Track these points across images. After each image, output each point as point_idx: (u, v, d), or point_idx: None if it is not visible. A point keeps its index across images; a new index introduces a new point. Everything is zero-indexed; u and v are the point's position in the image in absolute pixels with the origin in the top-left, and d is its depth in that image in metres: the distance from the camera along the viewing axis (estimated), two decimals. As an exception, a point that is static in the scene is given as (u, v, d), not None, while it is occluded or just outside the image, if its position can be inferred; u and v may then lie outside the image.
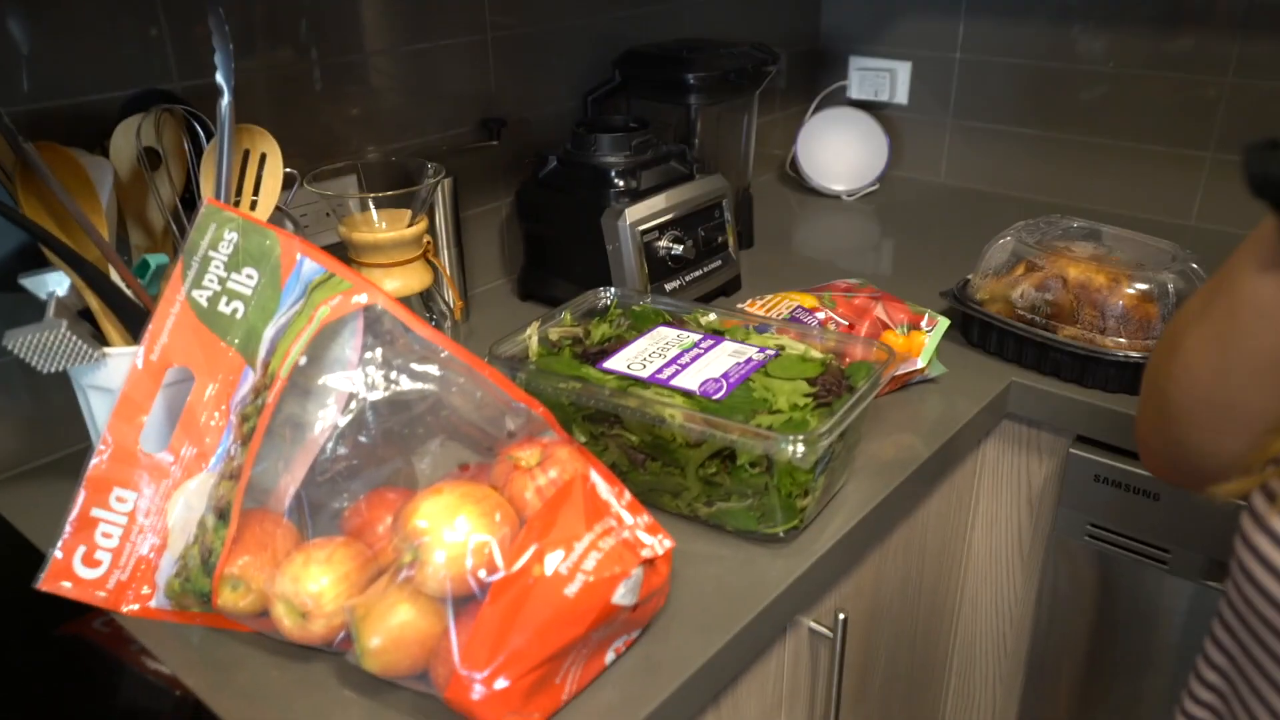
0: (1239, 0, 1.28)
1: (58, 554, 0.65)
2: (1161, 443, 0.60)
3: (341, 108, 1.03)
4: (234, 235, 0.67)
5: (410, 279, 0.92)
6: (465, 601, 0.57)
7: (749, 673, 0.76)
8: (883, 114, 1.63)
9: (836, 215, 1.53)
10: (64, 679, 0.66)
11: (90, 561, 0.65)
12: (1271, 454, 0.50)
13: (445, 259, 1.10)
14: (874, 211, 1.53)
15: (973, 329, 1.04)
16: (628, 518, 0.62)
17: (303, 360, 0.64)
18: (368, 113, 1.05)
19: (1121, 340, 0.93)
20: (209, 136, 0.81)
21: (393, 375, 0.65)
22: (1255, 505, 0.51)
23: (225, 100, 0.74)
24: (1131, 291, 0.93)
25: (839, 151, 1.59)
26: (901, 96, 1.63)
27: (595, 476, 0.63)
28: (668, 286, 1.09)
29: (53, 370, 0.69)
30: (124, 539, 0.66)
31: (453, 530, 0.57)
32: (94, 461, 0.65)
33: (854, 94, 1.66)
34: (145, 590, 0.67)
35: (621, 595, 0.58)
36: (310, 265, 0.66)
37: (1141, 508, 0.97)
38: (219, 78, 0.73)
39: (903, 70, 1.61)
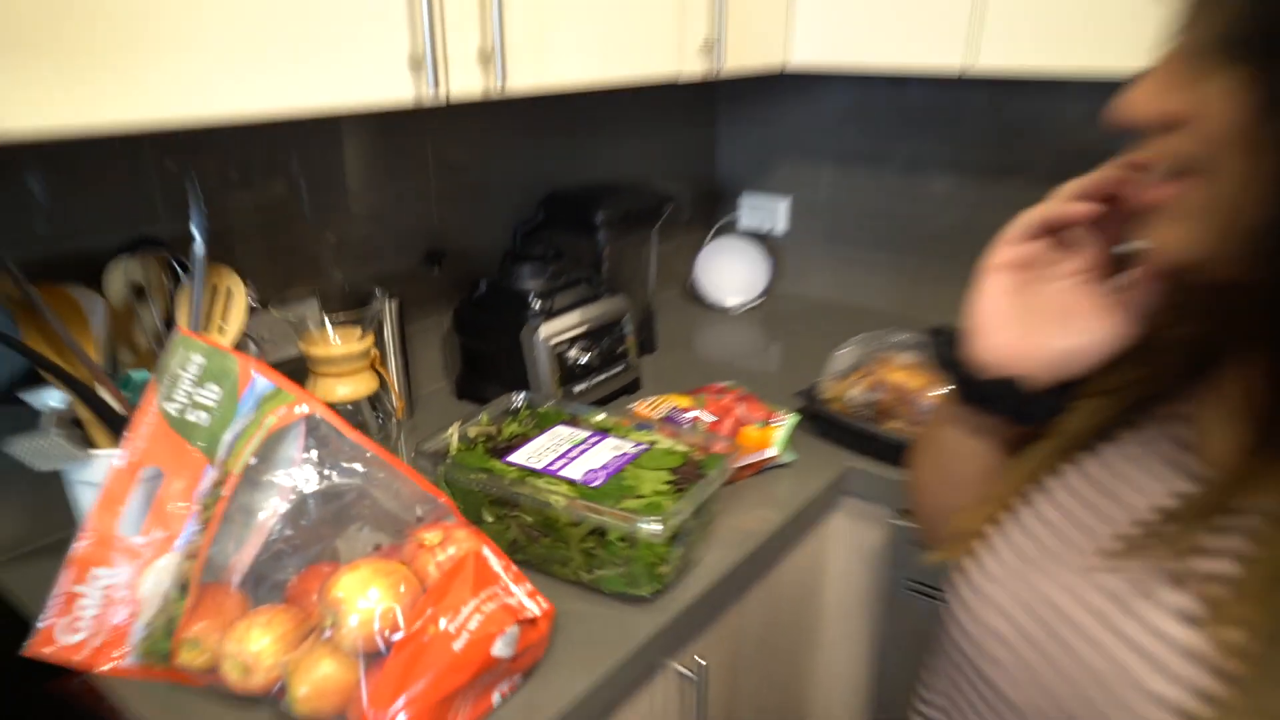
0: (1047, 157, 1.41)
1: (42, 624, 0.69)
2: (917, 522, 0.69)
3: (311, 244, 1.10)
4: (200, 358, 0.73)
5: (359, 385, 0.98)
6: (374, 656, 0.62)
7: (622, 711, 0.81)
8: (768, 240, 1.74)
9: (726, 325, 1.62)
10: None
11: (71, 629, 0.69)
12: (955, 530, 0.58)
13: (392, 367, 1.17)
14: (758, 322, 1.63)
15: (820, 423, 1.12)
16: (513, 587, 0.69)
17: (253, 460, 0.70)
18: (333, 245, 1.13)
19: (933, 432, 1.02)
20: (187, 270, 0.87)
21: (326, 471, 0.71)
22: (950, 574, 0.58)
23: (198, 247, 0.81)
24: (937, 393, 1.02)
25: (731, 271, 1.69)
26: (782, 226, 1.74)
27: (487, 553, 0.69)
28: (576, 389, 1.16)
29: (47, 469, 0.73)
30: (101, 610, 0.70)
31: (365, 599, 0.63)
32: (77, 545, 0.70)
33: (744, 224, 1.78)
34: (117, 653, 0.70)
35: (500, 648, 0.64)
36: (263, 382, 0.73)
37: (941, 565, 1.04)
38: (193, 228, 0.80)
39: (783, 205, 1.73)
